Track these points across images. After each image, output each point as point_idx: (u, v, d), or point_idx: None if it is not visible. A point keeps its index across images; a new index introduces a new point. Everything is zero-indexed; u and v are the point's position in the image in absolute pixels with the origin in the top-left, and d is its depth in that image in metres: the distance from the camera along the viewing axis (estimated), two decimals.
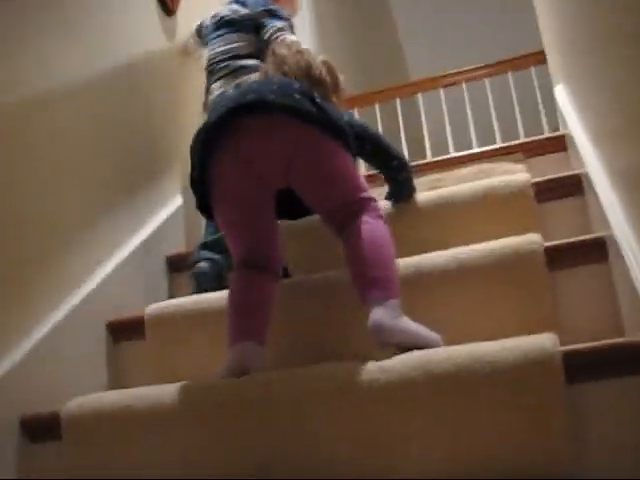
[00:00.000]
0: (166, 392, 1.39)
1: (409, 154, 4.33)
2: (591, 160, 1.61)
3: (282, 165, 1.52)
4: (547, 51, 2.66)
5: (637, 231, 1.19)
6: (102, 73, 2.07)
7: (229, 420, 1.30)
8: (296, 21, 2.54)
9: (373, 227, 1.47)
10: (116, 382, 1.82)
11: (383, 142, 1.82)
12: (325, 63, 1.78)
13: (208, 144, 1.52)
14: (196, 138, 1.56)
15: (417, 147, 4.68)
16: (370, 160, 1.86)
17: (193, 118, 2.55)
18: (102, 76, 2.07)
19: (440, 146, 4.27)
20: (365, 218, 1.48)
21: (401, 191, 1.89)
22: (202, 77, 2.46)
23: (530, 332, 1.29)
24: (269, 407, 1.28)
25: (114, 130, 2.09)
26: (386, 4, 7.26)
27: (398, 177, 1.85)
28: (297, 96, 1.50)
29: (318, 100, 1.53)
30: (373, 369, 1.23)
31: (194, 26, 2.63)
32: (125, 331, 1.88)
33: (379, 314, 1.34)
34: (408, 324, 1.34)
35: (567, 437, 1.10)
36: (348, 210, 1.50)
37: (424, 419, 1.16)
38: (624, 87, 1.21)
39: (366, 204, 1.51)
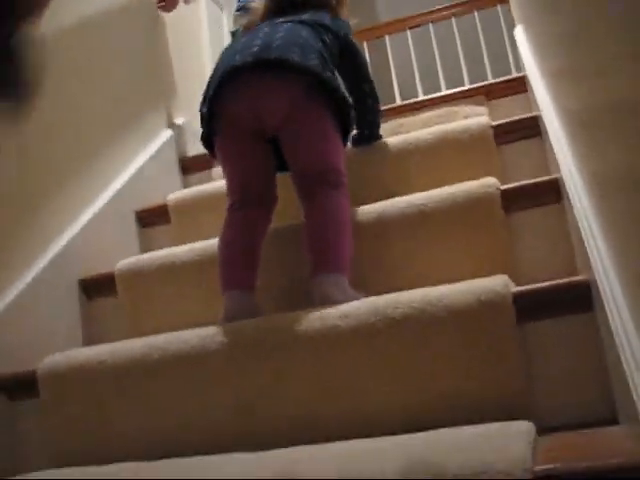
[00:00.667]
0: (138, 345, 1.43)
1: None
2: (543, 101, 1.64)
3: (281, 115, 1.56)
4: None
5: (583, 174, 1.23)
6: None
7: (201, 369, 1.34)
8: None
9: (337, 204, 1.52)
10: (91, 339, 1.86)
11: (366, 75, 1.85)
12: None
13: (223, 83, 1.58)
14: (214, 75, 1.63)
15: (386, 90, 4.67)
16: (345, 81, 1.82)
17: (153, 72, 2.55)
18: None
19: (409, 89, 4.28)
20: (332, 192, 1.53)
21: (364, 134, 1.93)
22: None
23: (488, 273, 1.34)
24: (242, 354, 1.32)
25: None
26: None
27: (367, 117, 1.88)
28: (316, 61, 1.55)
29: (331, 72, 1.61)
30: (335, 314, 1.27)
31: None
32: (97, 288, 1.91)
33: (328, 288, 1.40)
34: (351, 295, 1.39)
35: (520, 375, 1.15)
36: (320, 179, 1.55)
37: (384, 362, 1.21)
38: (570, 25, 1.24)
39: (338, 181, 1.55)
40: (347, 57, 1.77)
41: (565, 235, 1.46)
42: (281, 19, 1.71)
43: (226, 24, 3.49)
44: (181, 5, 2.88)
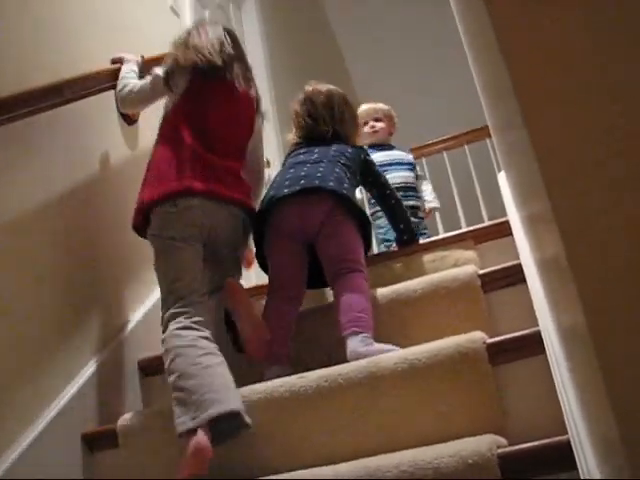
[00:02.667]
0: None
1: None
2: (522, 249, 1.72)
3: (317, 226, 2.12)
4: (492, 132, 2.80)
5: (557, 327, 1.29)
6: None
7: None
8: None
9: (360, 282, 2.01)
10: None
11: (387, 182, 2.51)
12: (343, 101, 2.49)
13: (272, 207, 2.16)
14: (264, 201, 2.20)
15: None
16: (373, 189, 2.52)
17: None
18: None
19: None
20: (356, 274, 2.03)
21: (404, 239, 2.46)
22: None
23: (476, 426, 1.38)
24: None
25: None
26: (341, 59, 7.55)
27: (399, 223, 2.47)
28: (346, 187, 2.16)
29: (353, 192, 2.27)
30: (331, 475, 1.31)
31: None
32: (99, 442, 1.94)
33: (354, 344, 1.83)
34: (376, 347, 1.80)
35: None
36: (346, 266, 2.04)
37: None
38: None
39: (359, 268, 2.06)
40: (368, 173, 2.43)
41: (551, 386, 1.51)
42: (315, 149, 2.31)
43: None
44: None
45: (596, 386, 0.93)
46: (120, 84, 2.41)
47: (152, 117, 2.75)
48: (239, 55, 2.25)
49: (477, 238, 2.35)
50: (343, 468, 1.33)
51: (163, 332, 1.85)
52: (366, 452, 1.43)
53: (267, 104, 3.86)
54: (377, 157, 3.36)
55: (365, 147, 2.63)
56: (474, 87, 1.35)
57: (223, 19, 4.24)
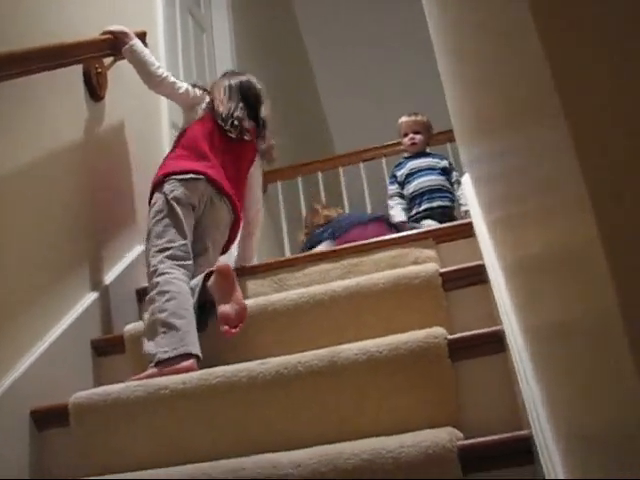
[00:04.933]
0: None
1: None
2: (485, 249, 1.75)
3: None
4: (456, 137, 2.84)
5: (521, 325, 1.32)
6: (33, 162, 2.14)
7: None
8: None
9: None
10: (40, 471, 1.84)
11: None
12: None
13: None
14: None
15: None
16: None
17: (114, 201, 2.64)
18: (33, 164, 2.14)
19: None
20: None
21: None
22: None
23: (435, 421, 1.40)
24: None
25: (36, 219, 2.14)
26: (315, 90, 7.58)
27: None
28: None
29: None
30: (286, 463, 1.31)
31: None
32: (49, 419, 1.91)
33: None
34: None
35: None
36: None
37: None
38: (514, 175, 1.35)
39: None
40: None
41: (510, 384, 1.54)
42: None
43: None
44: (146, 136, 3.01)
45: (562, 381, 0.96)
46: (151, 60, 2.62)
47: (118, 96, 2.73)
48: (252, 114, 2.66)
49: (438, 238, 2.38)
50: (301, 454, 1.33)
51: (155, 277, 2.15)
52: (325, 441, 1.43)
53: None
54: (412, 164, 3.88)
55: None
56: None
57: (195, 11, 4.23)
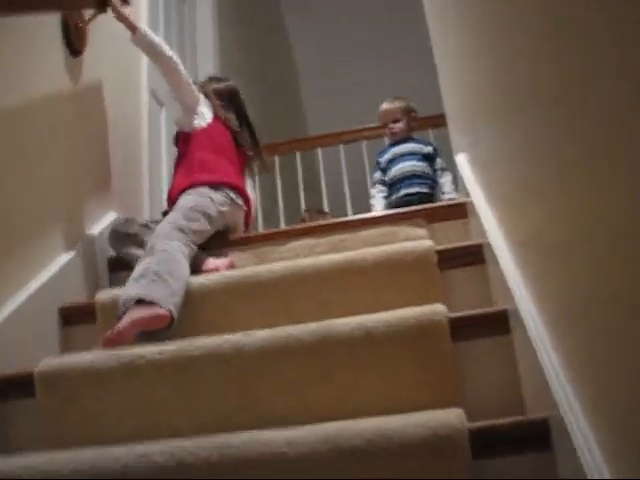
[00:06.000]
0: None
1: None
2: (493, 231, 1.65)
3: None
4: (449, 118, 2.75)
5: (538, 304, 1.23)
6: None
7: None
8: None
9: None
10: (5, 442, 1.70)
11: None
12: None
13: None
14: None
15: (316, 202, 4.71)
16: None
17: (90, 164, 2.50)
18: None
19: (338, 202, 4.34)
20: None
21: None
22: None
23: (435, 403, 1.30)
24: None
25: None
26: (295, 72, 7.47)
27: None
28: None
29: None
30: (281, 440, 1.20)
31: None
32: (11, 389, 1.77)
33: None
34: None
35: None
36: None
37: None
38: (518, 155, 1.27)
39: None
40: None
41: (513, 367, 1.45)
42: None
43: (164, 120, 3.48)
44: (124, 101, 2.87)
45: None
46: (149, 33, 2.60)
47: (98, 54, 2.60)
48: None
49: (428, 217, 2.29)
50: (296, 432, 1.22)
51: (163, 239, 2.10)
52: (322, 420, 1.32)
53: None
54: (394, 150, 3.81)
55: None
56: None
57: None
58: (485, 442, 1.14)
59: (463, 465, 1.10)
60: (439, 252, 1.86)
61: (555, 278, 1.13)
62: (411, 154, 3.77)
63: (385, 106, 3.93)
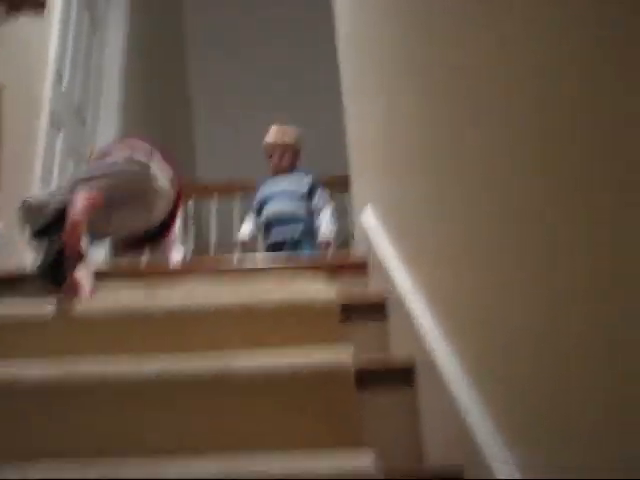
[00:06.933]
0: None
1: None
2: (404, 283, 1.64)
3: None
4: (353, 175, 2.76)
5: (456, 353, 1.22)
6: None
7: None
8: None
9: None
10: None
11: None
12: None
13: None
14: None
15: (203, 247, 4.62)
16: None
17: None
18: None
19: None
20: None
21: None
22: None
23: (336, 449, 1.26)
24: None
25: None
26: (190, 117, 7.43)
27: None
28: None
29: None
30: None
31: None
32: None
33: None
34: None
35: None
36: None
37: None
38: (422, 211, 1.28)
39: None
40: None
41: (416, 418, 1.42)
42: None
43: (60, 144, 3.34)
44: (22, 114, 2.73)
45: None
46: None
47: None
48: None
49: (330, 272, 2.26)
50: (188, 469, 1.13)
51: None
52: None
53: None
54: (267, 189, 3.61)
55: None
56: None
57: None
58: None
59: None
60: (343, 305, 1.82)
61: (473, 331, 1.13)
62: (283, 193, 3.53)
63: (271, 138, 3.70)
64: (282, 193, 3.53)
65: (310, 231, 3.46)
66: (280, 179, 3.61)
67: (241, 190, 4.22)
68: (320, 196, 3.52)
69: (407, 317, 1.54)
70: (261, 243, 3.62)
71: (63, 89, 3.48)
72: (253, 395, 1.42)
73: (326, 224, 3.41)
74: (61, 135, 3.36)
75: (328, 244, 3.38)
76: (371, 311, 1.87)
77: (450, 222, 1.24)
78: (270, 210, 3.52)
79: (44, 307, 1.89)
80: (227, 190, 4.40)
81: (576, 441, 0.74)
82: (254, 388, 1.42)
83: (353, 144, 2.71)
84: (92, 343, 1.79)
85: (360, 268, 2.25)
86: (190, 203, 4.31)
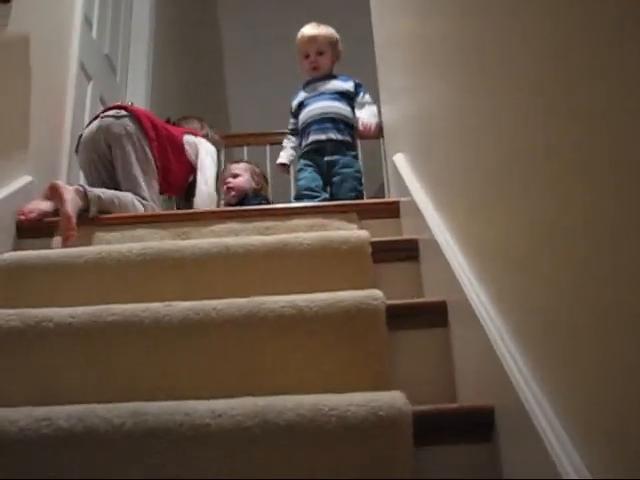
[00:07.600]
0: None
1: None
2: (439, 227, 1.59)
3: None
4: (386, 121, 2.71)
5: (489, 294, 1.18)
6: None
7: None
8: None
9: None
10: None
11: None
12: None
13: None
14: None
15: None
16: None
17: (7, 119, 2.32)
18: None
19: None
20: None
21: None
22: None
23: (364, 389, 1.22)
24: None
25: None
26: (222, 71, 7.35)
27: None
28: None
29: None
30: (205, 411, 1.09)
31: None
32: None
33: None
34: None
35: None
36: None
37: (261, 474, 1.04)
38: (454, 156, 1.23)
39: None
40: None
41: (448, 359, 1.39)
42: None
43: (90, 93, 3.31)
44: (51, 62, 2.70)
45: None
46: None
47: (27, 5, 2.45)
48: None
49: (361, 213, 2.22)
50: (223, 403, 1.11)
51: None
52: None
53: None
54: (306, 91, 3.29)
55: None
56: None
57: None
58: (432, 427, 1.07)
59: (405, 451, 1.03)
60: (374, 244, 1.78)
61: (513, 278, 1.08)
62: (323, 93, 3.19)
63: (308, 32, 3.25)
64: (322, 94, 3.18)
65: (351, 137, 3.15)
66: (319, 84, 3.25)
67: (272, 143, 4.17)
68: (366, 94, 3.17)
69: (440, 259, 1.49)
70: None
71: (93, 36, 3.44)
72: (284, 333, 1.39)
73: (370, 113, 3.07)
74: (91, 84, 3.33)
75: (368, 128, 3.03)
76: (404, 252, 1.83)
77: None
78: (308, 110, 3.18)
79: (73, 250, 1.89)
80: (258, 142, 4.37)
81: (618, 389, 0.71)
82: (285, 325, 1.40)
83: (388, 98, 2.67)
84: (123, 285, 1.79)
85: (393, 212, 2.20)
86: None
